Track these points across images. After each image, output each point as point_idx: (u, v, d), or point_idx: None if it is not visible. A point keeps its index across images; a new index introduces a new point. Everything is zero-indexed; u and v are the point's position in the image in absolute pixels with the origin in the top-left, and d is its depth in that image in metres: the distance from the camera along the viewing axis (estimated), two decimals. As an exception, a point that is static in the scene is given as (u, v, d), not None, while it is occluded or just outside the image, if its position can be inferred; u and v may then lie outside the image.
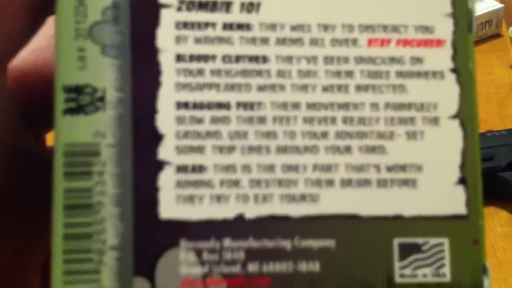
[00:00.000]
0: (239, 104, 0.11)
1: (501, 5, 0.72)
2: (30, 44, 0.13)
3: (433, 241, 0.11)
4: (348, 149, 0.11)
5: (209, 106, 0.11)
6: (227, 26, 0.11)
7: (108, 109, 0.11)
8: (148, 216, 0.11)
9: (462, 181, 0.12)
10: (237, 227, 0.11)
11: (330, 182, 0.11)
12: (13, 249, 0.13)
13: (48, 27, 0.13)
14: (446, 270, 0.11)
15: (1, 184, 0.11)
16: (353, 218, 0.11)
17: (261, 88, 0.11)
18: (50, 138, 0.15)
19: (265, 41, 0.11)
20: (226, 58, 0.11)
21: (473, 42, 0.12)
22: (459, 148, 0.12)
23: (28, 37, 0.12)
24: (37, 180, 0.13)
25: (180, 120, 0.11)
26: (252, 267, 0.11)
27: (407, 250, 0.11)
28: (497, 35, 0.73)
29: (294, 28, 0.12)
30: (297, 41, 0.12)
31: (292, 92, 0.11)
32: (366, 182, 0.11)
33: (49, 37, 0.13)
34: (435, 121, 0.12)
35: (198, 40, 0.11)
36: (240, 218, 0.11)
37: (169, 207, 0.11)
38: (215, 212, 0.11)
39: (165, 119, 0.11)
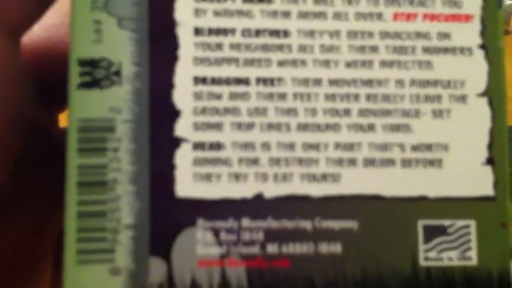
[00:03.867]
0: (258, 80, 0.11)
1: (509, 2, 0.71)
2: (44, 20, 0.13)
3: (459, 223, 0.11)
4: (371, 127, 0.11)
5: (227, 81, 0.11)
6: None
7: (124, 83, 0.11)
8: (165, 194, 0.11)
9: (490, 161, 0.11)
10: (256, 206, 0.11)
11: (352, 162, 0.11)
12: (30, 225, 0.12)
13: (63, 3, 0.12)
14: (473, 254, 0.11)
15: (17, 160, 0.11)
16: (376, 199, 0.11)
17: (281, 63, 0.11)
18: (62, 120, 0.15)
19: (286, 14, 0.11)
20: (245, 32, 0.11)
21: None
22: (487, 127, 0.11)
23: (42, 9, 0.11)
24: (50, 159, 0.12)
25: (197, 95, 0.11)
26: (272, 248, 0.11)
27: (432, 233, 0.11)
28: (505, 32, 0.73)
29: (317, 1, 0.11)
30: (320, 15, 0.11)
31: (313, 67, 0.11)
32: (390, 162, 0.11)
33: (64, 13, 0.13)
34: (462, 99, 0.11)
35: (217, 13, 0.11)
36: (259, 198, 0.11)
37: (186, 185, 0.11)
38: (233, 191, 0.11)
39: (183, 94, 0.11)
